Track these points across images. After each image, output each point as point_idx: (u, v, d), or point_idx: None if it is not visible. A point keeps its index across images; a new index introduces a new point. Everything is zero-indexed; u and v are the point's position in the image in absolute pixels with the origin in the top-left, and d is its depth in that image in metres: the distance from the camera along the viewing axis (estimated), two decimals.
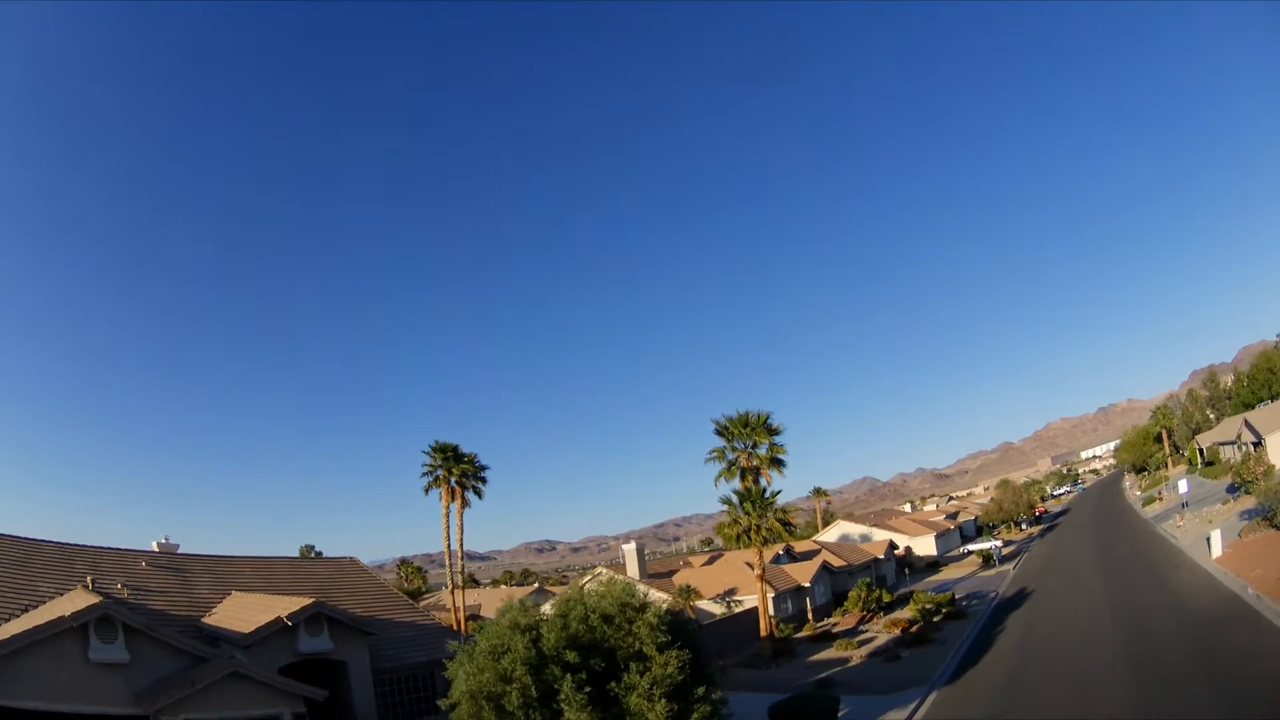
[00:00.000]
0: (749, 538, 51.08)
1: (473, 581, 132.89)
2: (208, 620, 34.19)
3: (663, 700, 21.91)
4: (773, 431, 51.76)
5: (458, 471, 62.08)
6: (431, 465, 62.55)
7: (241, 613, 35.00)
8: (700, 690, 23.33)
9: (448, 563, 65.44)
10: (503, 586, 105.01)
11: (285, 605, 34.40)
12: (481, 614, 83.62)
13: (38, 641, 26.77)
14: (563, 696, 21.68)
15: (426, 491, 63.20)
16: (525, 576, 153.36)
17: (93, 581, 35.52)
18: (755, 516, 50.70)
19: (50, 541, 39.75)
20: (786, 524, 52.83)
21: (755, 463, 51.91)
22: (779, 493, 52.02)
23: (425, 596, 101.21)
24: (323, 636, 33.32)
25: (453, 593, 66.13)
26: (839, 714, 32.69)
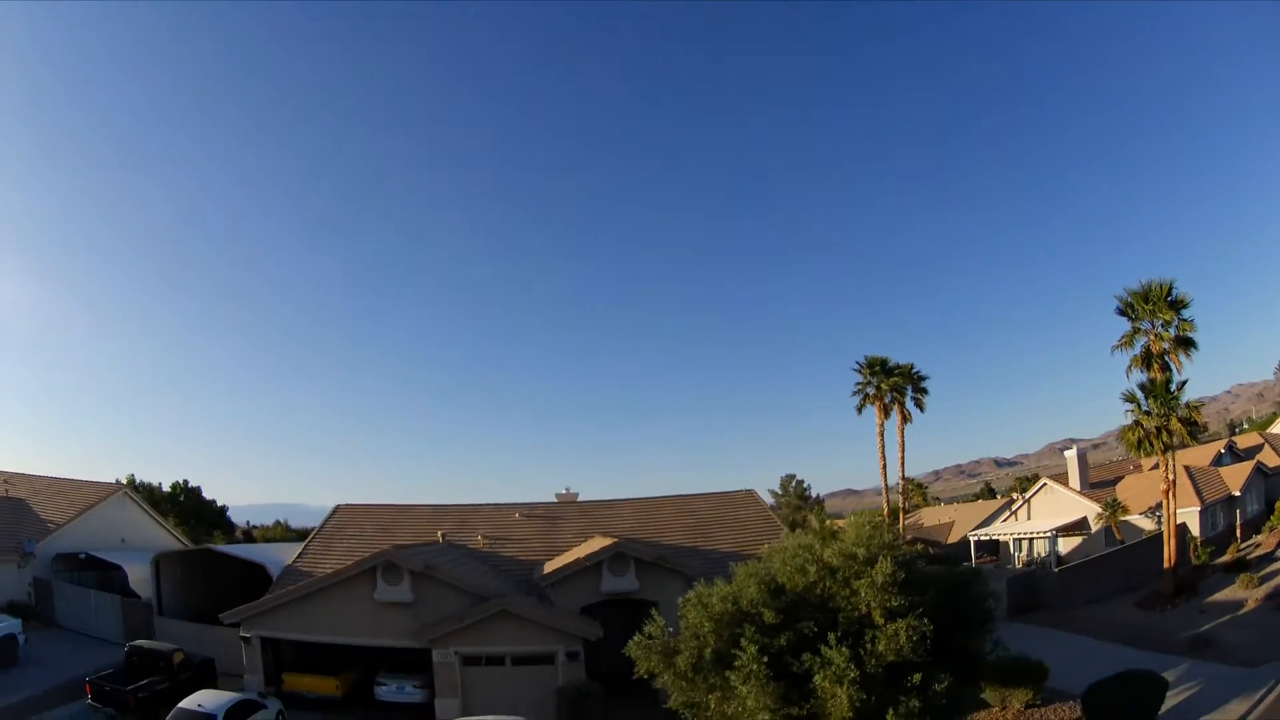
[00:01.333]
0: (1150, 444, 41.26)
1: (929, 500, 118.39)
2: (551, 565, 34.73)
3: (851, 686, 16.53)
4: (1178, 305, 40.75)
5: (888, 386, 56.05)
6: (862, 383, 57.57)
7: (570, 555, 35.74)
8: (916, 678, 16.85)
9: (883, 483, 59.58)
10: (979, 502, 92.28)
11: (593, 546, 34.75)
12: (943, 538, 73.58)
13: (330, 585, 30.92)
14: (738, 664, 17.47)
15: (860, 410, 58.27)
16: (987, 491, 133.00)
17: (444, 535, 39.86)
18: (1158, 416, 40.63)
19: (424, 505, 45.38)
20: (1191, 424, 41.12)
21: (1163, 345, 41.10)
22: (1185, 383, 41.18)
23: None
24: (628, 576, 32.64)
25: (887, 514, 60.66)
26: (1164, 698, 22.77)
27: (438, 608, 29.70)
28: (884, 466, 58.20)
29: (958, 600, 18.87)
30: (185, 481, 78.52)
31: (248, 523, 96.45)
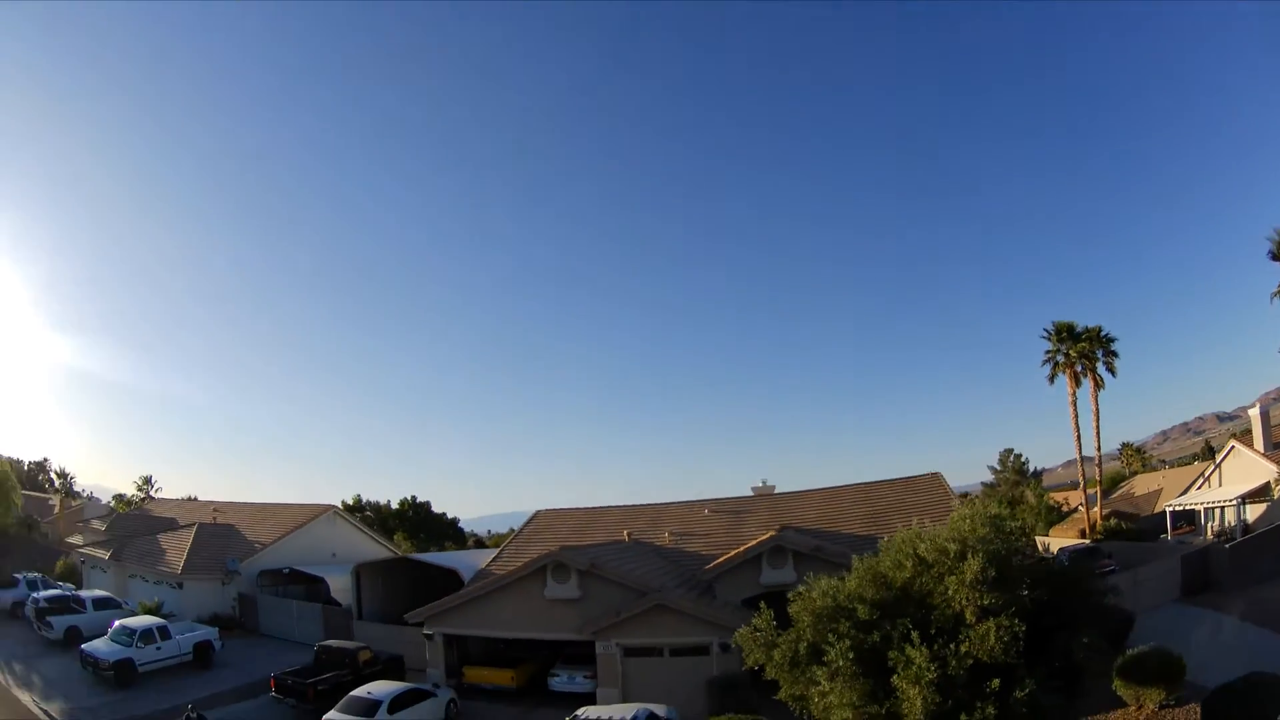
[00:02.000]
0: None
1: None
2: (722, 559, 35.15)
3: (929, 688, 15.78)
4: None
5: (1076, 352, 53.57)
6: (1051, 350, 55.25)
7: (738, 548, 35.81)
8: (995, 684, 15.62)
9: (1076, 454, 56.30)
10: (1190, 465, 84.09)
11: (752, 538, 34.98)
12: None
13: (505, 585, 33.08)
14: (826, 659, 17.08)
15: (1051, 380, 55.94)
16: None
17: (629, 534, 41.22)
18: None
19: (618, 506, 46.97)
20: None
21: None
22: None
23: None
24: (785, 569, 32.33)
25: (1084, 489, 57.37)
26: None
27: (602, 603, 30.79)
28: (1078, 436, 55.94)
29: (1066, 598, 17.62)
30: (414, 497, 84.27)
31: (489, 532, 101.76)
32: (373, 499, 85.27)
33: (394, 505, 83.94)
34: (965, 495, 59.67)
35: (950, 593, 16.87)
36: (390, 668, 32.46)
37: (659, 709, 24.78)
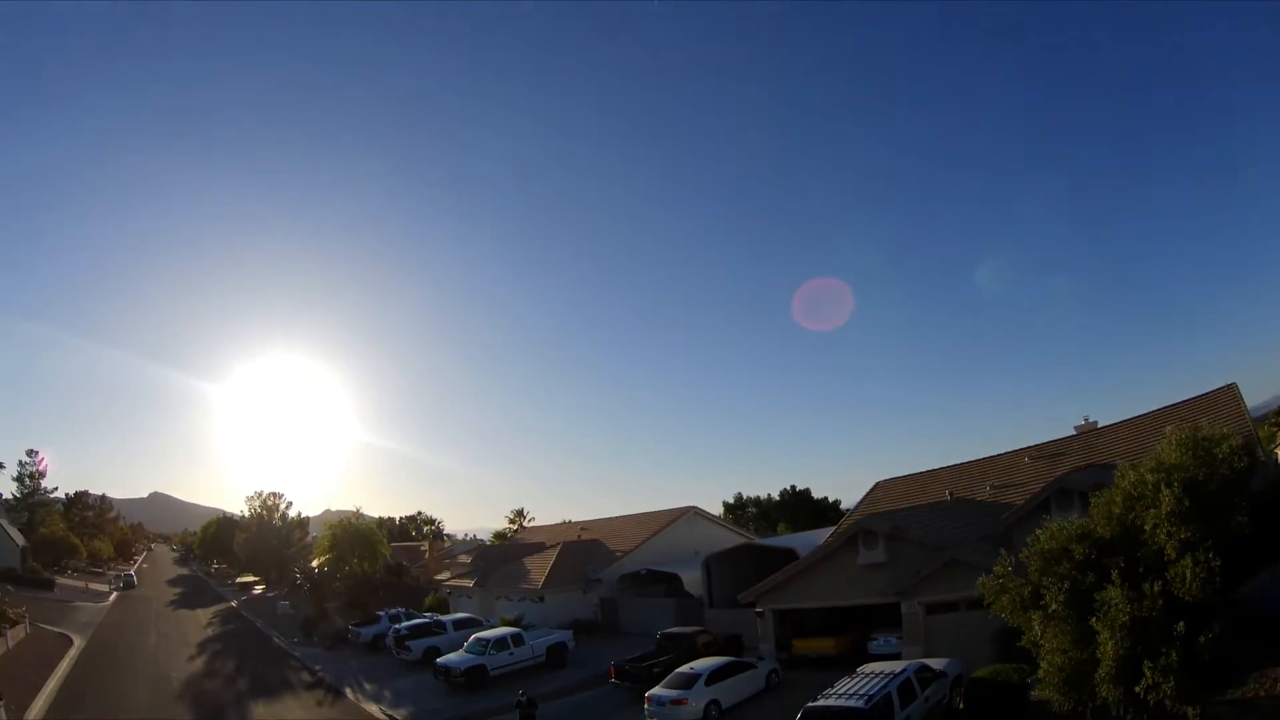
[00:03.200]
0: None
1: None
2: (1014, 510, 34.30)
3: (1121, 631, 15.03)
4: None
5: None
6: None
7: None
8: (1180, 628, 14.60)
9: None
10: None
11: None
12: None
13: (821, 559, 35.29)
14: (1043, 603, 17.08)
15: None
16: None
17: (951, 494, 41.88)
18: None
19: (946, 467, 46.64)
20: None
21: None
22: None
23: None
24: (1071, 513, 30.79)
25: None
26: None
27: (907, 565, 31.50)
28: None
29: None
30: (793, 486, 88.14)
31: None
32: (753, 494, 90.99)
33: (775, 497, 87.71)
34: None
35: (1149, 528, 16.09)
36: (728, 647, 35.35)
37: (938, 662, 24.71)
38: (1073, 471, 33.52)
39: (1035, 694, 18.71)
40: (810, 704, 21.63)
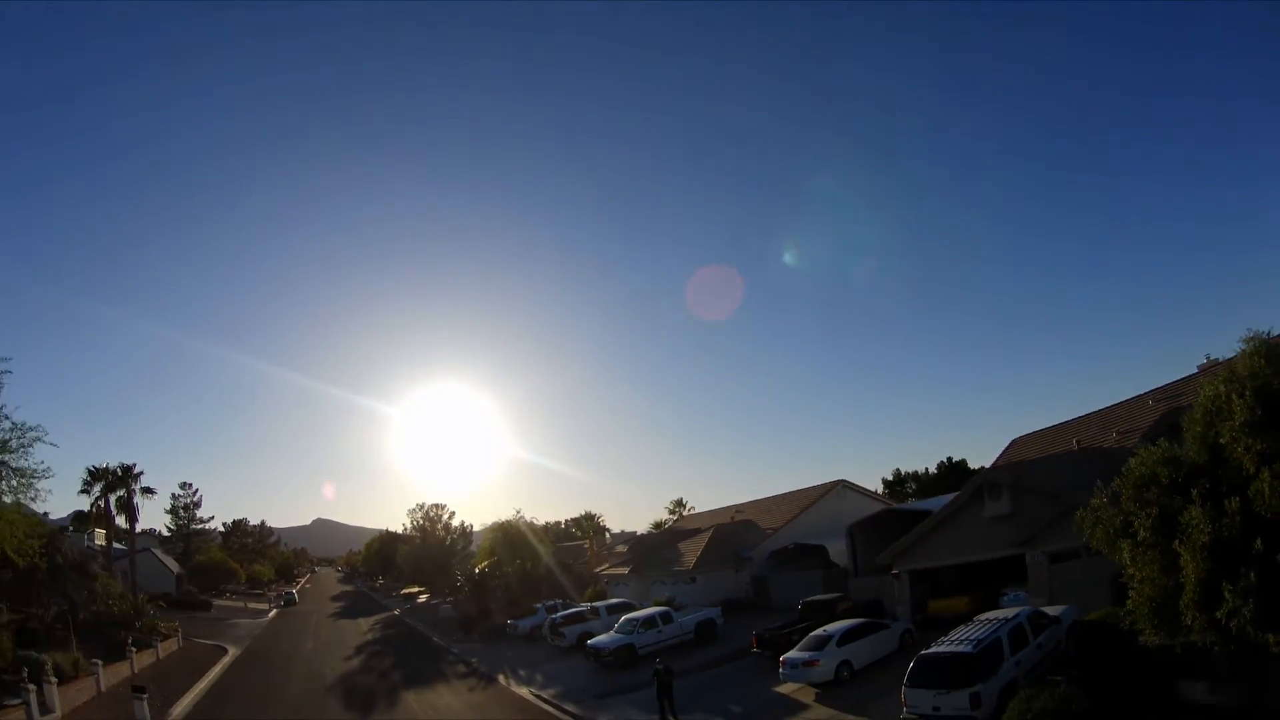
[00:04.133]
0: None
1: None
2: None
3: (1201, 553, 14.73)
4: None
5: None
6: None
7: None
8: (1258, 544, 14.12)
9: None
10: None
11: None
12: None
13: (949, 515, 36.23)
14: (1133, 529, 16.61)
15: None
16: None
17: (1078, 442, 41.10)
18: None
19: (1076, 419, 45.41)
20: None
21: None
22: None
23: None
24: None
25: None
26: None
27: (1031, 515, 31.67)
28: None
29: None
30: (949, 459, 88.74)
31: None
32: (912, 469, 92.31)
33: (933, 471, 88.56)
34: None
35: (1226, 442, 15.51)
36: (867, 612, 36.26)
37: (1054, 609, 24.72)
38: (1185, 407, 32.40)
39: (1143, 639, 18.64)
40: (923, 651, 22.60)
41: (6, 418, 26.46)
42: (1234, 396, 15.36)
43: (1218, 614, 14.59)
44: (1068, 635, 24.99)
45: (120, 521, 79.53)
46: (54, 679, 33.31)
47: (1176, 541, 15.39)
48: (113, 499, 76.12)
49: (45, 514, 49.88)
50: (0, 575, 44.07)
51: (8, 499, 26.92)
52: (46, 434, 27.48)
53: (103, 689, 37.87)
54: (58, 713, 32.45)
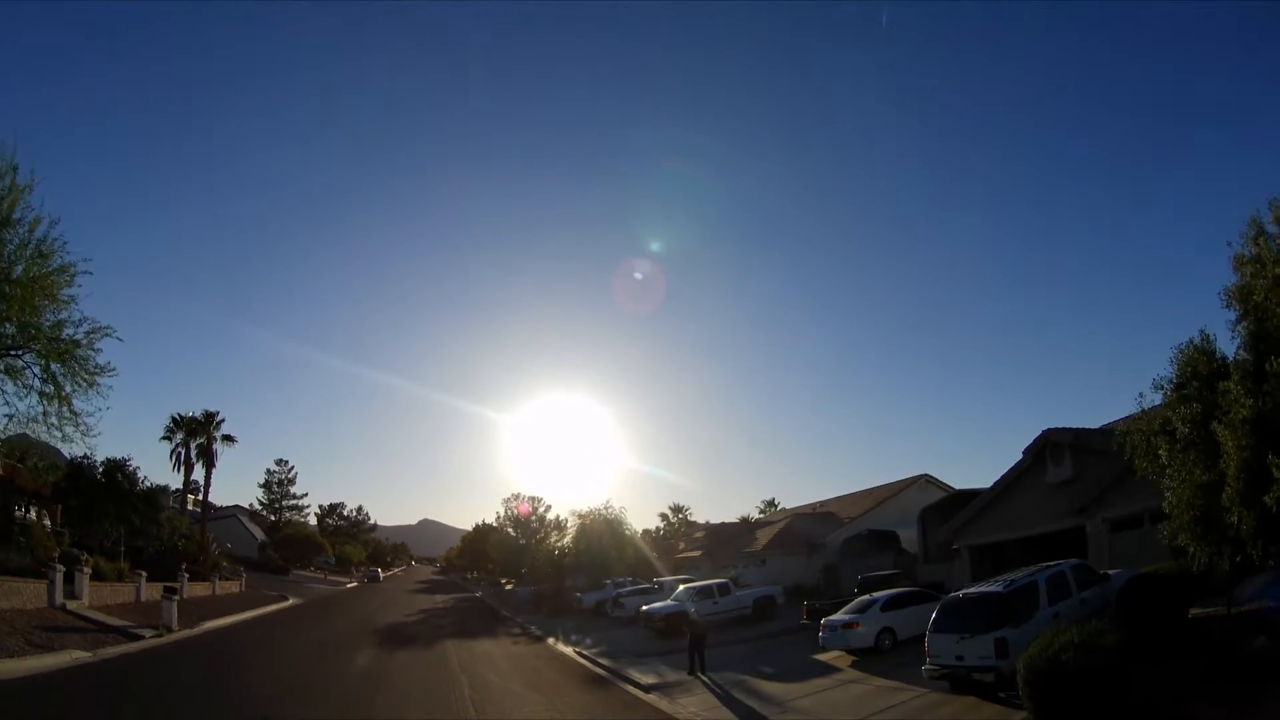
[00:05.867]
0: None
1: None
2: None
3: (1241, 428, 13.24)
4: None
5: None
6: None
7: None
8: None
9: None
10: None
11: None
12: None
13: (1010, 483, 33.84)
14: (1172, 426, 15.43)
15: None
16: None
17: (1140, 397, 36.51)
18: None
19: None
20: None
21: None
22: None
23: None
24: None
25: None
26: None
27: (1093, 480, 29.15)
28: None
29: None
30: None
31: None
32: None
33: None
34: None
35: (1260, 300, 14.04)
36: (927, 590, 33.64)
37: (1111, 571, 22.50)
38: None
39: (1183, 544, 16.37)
40: (950, 593, 20.80)
41: (85, 318, 26.97)
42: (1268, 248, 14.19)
43: (1266, 498, 12.75)
44: (1119, 597, 21.82)
45: (198, 472, 79.58)
46: (88, 571, 36.23)
47: (1215, 424, 13.94)
48: (194, 446, 77.10)
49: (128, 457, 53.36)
50: (67, 502, 48.05)
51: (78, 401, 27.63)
52: (114, 330, 27.95)
53: (142, 599, 40.65)
54: (85, 600, 34.88)
